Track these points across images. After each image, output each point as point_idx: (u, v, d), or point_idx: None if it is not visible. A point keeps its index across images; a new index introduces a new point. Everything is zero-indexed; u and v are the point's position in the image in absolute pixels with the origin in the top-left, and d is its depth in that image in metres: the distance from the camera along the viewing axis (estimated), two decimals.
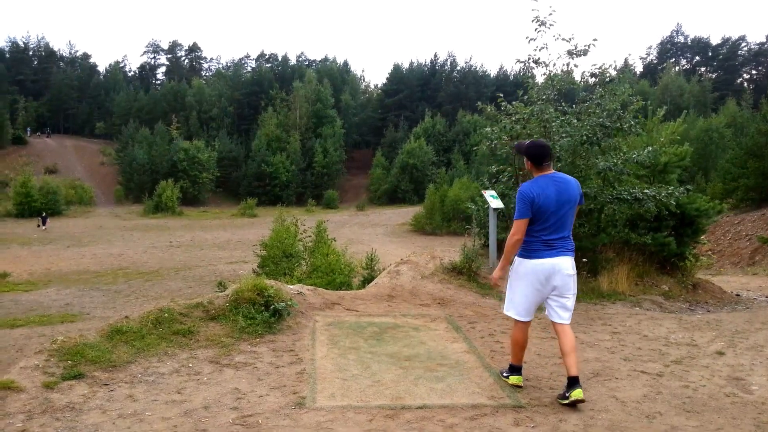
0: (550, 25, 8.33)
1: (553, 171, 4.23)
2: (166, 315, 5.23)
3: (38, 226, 39.55)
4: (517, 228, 4.10)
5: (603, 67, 8.77)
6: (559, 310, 4.20)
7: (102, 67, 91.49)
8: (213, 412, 3.80)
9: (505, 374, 4.49)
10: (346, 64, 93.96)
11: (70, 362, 4.31)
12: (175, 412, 3.77)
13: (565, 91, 8.91)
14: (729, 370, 5.06)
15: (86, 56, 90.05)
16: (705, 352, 5.58)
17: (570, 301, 4.21)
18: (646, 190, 8.39)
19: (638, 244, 8.94)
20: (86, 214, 52.66)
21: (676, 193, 8.51)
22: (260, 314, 5.49)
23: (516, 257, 4.23)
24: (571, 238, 4.25)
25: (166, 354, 4.75)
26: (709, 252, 22.50)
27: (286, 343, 5.19)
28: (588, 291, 7.90)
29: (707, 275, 13.81)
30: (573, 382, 4.04)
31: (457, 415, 3.87)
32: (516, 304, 4.28)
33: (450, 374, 4.61)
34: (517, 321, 4.32)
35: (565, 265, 4.12)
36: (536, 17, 8.35)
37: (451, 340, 5.52)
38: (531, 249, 4.14)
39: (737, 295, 10.76)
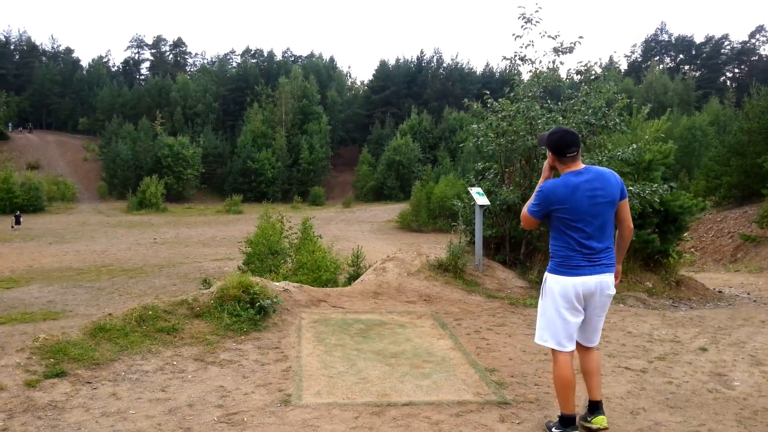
0: (536, 22, 8.37)
1: (583, 165, 3.45)
2: (150, 312, 5.17)
3: (12, 226, 38.71)
4: (522, 217, 3.58)
5: (588, 65, 8.82)
6: (591, 334, 3.59)
7: (85, 62, 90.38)
8: (197, 410, 3.77)
9: (555, 430, 3.50)
10: (332, 60, 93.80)
11: (52, 360, 4.25)
12: (159, 410, 3.73)
13: (550, 88, 8.95)
14: (712, 366, 5.12)
15: (69, 51, 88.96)
16: (688, 349, 5.63)
17: (602, 322, 3.61)
18: (630, 188, 8.45)
19: None
20: (69, 210, 52.08)
21: (660, 191, 8.59)
22: (246, 311, 5.45)
23: (548, 273, 3.52)
24: (614, 246, 3.52)
25: (150, 352, 4.70)
26: (692, 249, 22.76)
27: (272, 341, 5.16)
28: None
29: (690, 272, 13.95)
30: (596, 407, 3.56)
31: (442, 412, 3.87)
32: (554, 331, 3.46)
33: (436, 371, 4.61)
34: (557, 353, 3.50)
35: (608, 283, 3.43)
36: (522, 14, 8.39)
37: (437, 337, 5.53)
38: (570, 264, 3.39)
39: (720, 291, 10.88)
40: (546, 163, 3.58)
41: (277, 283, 6.56)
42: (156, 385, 4.13)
